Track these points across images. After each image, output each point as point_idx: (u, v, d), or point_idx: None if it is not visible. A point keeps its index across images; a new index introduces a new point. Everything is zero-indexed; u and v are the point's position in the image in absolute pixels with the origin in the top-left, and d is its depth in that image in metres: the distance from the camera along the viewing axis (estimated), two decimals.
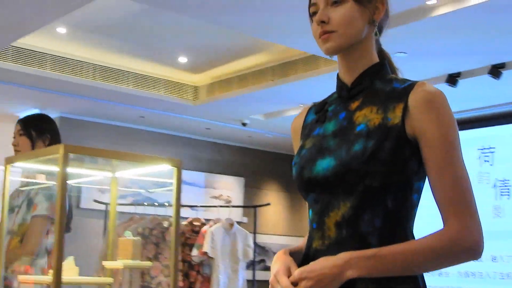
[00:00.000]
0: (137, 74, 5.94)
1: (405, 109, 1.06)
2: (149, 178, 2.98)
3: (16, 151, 2.31)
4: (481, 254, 1.02)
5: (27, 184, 2.58)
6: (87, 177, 2.56)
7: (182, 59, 5.78)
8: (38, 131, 2.33)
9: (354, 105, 1.13)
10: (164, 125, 6.93)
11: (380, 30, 1.16)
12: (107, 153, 2.28)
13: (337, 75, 1.18)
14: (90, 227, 6.12)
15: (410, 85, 1.09)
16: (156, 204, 5.72)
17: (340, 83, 1.17)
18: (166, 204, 5.45)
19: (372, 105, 1.10)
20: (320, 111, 1.18)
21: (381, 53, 1.20)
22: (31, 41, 5.07)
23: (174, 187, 2.25)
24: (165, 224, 4.91)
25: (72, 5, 4.16)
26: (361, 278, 1.00)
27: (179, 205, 2.31)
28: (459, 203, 1.02)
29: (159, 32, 5.07)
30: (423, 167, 1.07)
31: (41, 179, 2.47)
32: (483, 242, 1.02)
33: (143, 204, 5.61)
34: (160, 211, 5.35)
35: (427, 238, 1.02)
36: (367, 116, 1.09)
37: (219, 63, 5.79)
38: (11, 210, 2.19)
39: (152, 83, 6.03)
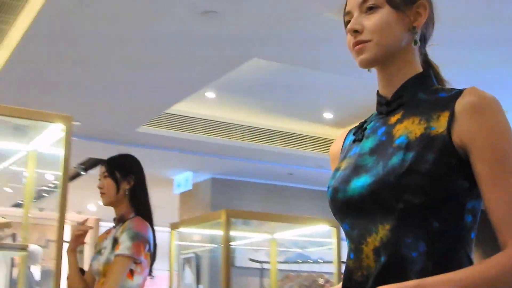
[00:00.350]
0: (284, 132, 6.02)
1: (452, 117, 0.91)
2: (307, 238, 2.90)
3: (101, 193, 2.30)
4: None
5: (190, 247, 2.61)
6: (247, 239, 2.55)
7: (328, 115, 5.74)
8: (122, 172, 2.29)
9: (394, 118, 0.99)
10: (313, 181, 6.86)
11: (423, 38, 1.02)
12: (268, 216, 2.27)
13: (377, 91, 1.05)
14: (246, 285, 6.13)
15: (458, 92, 0.94)
16: (310, 261, 5.59)
17: (379, 98, 1.04)
18: (320, 261, 5.31)
19: (414, 116, 0.96)
20: (358, 130, 1.08)
21: (427, 63, 1.04)
22: (181, 107, 5.42)
23: (334, 246, 2.21)
24: (321, 281, 4.78)
25: (221, 71, 4.40)
26: None
27: (340, 263, 2.22)
28: None
29: (303, 90, 5.10)
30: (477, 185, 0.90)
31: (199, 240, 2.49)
32: None
33: (297, 262, 5.52)
34: (315, 267, 5.21)
35: (484, 265, 0.84)
36: (407, 128, 0.95)
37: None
38: (99, 252, 2.19)
39: (299, 140, 6.06)
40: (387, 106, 1.01)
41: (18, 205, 6.59)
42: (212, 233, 2.28)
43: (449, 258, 0.88)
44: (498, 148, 0.87)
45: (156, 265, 2.17)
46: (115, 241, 2.12)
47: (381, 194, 0.90)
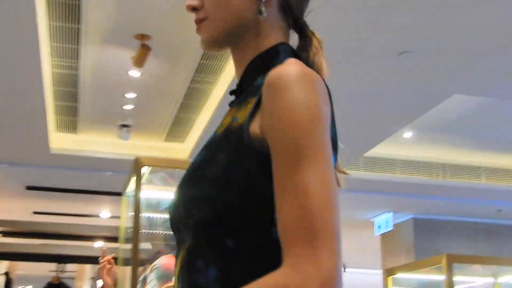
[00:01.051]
0: (489, 168, 5.63)
1: (257, 103, 0.67)
2: None
3: None
4: None
5: None
6: (468, 283, 2.47)
7: None
8: None
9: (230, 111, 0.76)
10: None
11: (286, 5, 0.76)
12: (492, 260, 2.18)
13: None
14: None
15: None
16: None
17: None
18: None
19: (235, 107, 0.74)
20: None
21: (289, 36, 0.79)
22: (379, 149, 5.48)
23: None
24: None
25: (419, 112, 4.39)
26: None
27: None
28: (298, 232, 0.59)
29: (506, 122, 4.77)
30: None
31: None
32: None
33: None
34: None
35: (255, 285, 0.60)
36: (223, 123, 0.74)
37: None
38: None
39: (506, 174, 5.60)
40: (234, 95, 0.78)
41: None
42: (430, 278, 2.28)
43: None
44: (290, 137, 0.62)
45: None
46: (144, 279, 2.08)
47: (179, 206, 0.72)
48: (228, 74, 4.02)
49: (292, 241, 0.59)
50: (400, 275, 2.56)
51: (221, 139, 0.71)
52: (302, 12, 0.79)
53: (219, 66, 4.04)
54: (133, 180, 2.23)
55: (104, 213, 7.37)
